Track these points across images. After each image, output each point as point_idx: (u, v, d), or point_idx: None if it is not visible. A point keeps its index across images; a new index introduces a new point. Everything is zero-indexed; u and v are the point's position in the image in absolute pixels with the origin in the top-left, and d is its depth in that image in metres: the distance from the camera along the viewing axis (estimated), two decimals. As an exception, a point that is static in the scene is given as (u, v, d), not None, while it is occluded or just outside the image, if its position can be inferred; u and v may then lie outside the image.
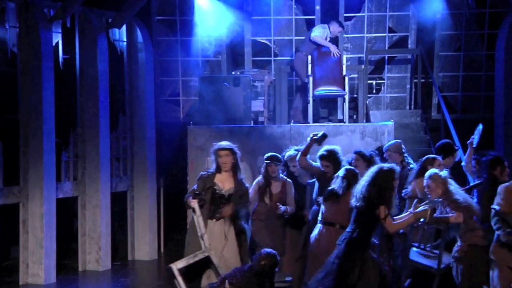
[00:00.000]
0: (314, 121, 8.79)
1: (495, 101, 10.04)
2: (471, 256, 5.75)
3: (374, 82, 10.27)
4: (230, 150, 6.10)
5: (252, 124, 8.67)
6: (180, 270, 5.66)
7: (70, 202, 9.24)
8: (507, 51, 9.83)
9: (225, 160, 6.05)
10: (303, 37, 10.42)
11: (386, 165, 5.70)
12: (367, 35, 10.30)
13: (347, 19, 10.29)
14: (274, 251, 5.54)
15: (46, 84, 8.33)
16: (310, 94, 8.83)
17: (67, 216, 9.41)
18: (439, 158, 6.70)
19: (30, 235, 8.36)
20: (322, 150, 6.53)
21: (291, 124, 8.43)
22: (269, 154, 6.89)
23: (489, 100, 10.21)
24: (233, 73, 9.39)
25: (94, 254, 8.98)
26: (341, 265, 5.46)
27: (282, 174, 6.98)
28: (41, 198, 8.29)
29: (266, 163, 6.86)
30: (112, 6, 9.36)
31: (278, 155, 6.90)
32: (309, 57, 8.98)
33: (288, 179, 6.90)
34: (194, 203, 5.82)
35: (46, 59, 8.32)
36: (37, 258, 8.30)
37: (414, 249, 6.13)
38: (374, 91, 10.25)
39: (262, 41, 10.49)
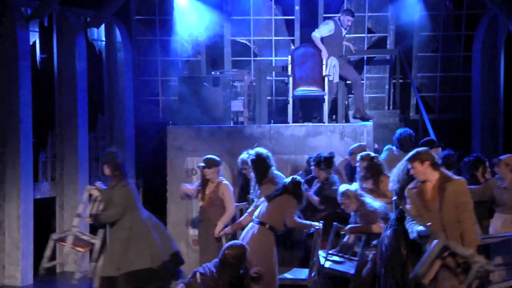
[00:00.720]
0: (294, 121, 8.82)
1: (472, 101, 10.15)
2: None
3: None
4: None
5: (232, 124, 8.66)
6: None
7: (49, 203, 9.15)
8: (484, 52, 9.94)
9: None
10: (282, 37, 10.45)
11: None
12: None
13: (327, 19, 10.31)
14: (241, 243, 5.48)
15: (23, 83, 8.24)
16: (290, 94, 8.85)
17: (45, 217, 9.32)
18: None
19: (6, 236, 8.26)
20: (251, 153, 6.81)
21: (271, 124, 8.44)
22: (205, 157, 6.99)
23: (466, 100, 10.32)
24: (212, 73, 9.37)
25: (73, 255, 8.89)
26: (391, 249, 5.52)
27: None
28: (18, 199, 8.20)
29: (201, 166, 6.96)
30: (90, 5, 9.29)
31: (213, 158, 6.95)
32: (289, 57, 9.01)
33: (224, 182, 6.93)
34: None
35: (23, 58, 8.23)
36: (14, 260, 8.21)
37: (334, 257, 6.33)
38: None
39: (242, 41, 10.48)
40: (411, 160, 5.22)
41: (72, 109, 8.92)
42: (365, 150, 7.21)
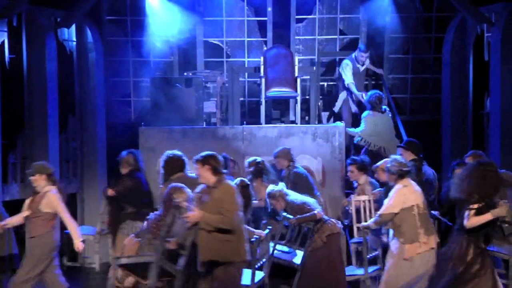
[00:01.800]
0: (266, 122, 8.83)
1: (442, 103, 10.29)
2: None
3: (325, 84, 10.38)
4: None
5: (204, 125, 8.64)
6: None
7: (18, 205, 9.00)
8: (453, 54, 10.08)
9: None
10: (255, 38, 10.46)
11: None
12: (319, 37, 10.40)
13: (299, 21, 10.36)
14: (182, 185, 5.83)
15: (-8, 84, 8.12)
16: (263, 95, 8.86)
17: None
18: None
19: (-25, 239, 8.12)
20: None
21: (244, 125, 8.45)
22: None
23: (436, 102, 10.46)
24: (185, 74, 9.34)
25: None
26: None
27: None
28: (-13, 201, 8.07)
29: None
30: (61, 5, 9.18)
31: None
32: (262, 58, 9.04)
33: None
34: None
35: (-9, 58, 8.11)
36: (-17, 263, 8.08)
37: (279, 247, 6.47)
38: (325, 93, 10.36)
39: (214, 42, 10.47)
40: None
41: (42, 110, 8.81)
42: (289, 154, 7.41)
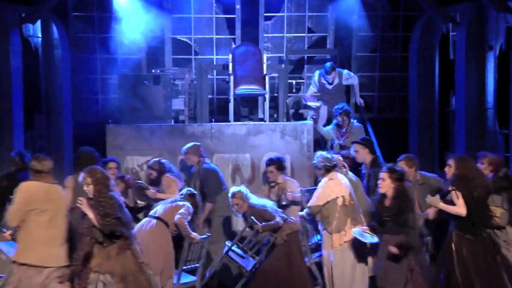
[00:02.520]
0: (235, 120, 8.83)
1: (409, 101, 10.41)
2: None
3: (294, 82, 10.42)
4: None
5: (172, 123, 8.59)
6: None
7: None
8: (420, 52, 10.21)
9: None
10: (223, 36, 10.44)
11: None
12: (287, 35, 10.43)
13: (267, 18, 10.38)
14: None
15: (-46, 80, 7.95)
16: (231, 93, 8.85)
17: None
18: None
19: None
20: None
21: (212, 123, 8.43)
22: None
23: (403, 100, 10.58)
24: (153, 71, 9.27)
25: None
26: None
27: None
28: (-50, 201, 7.88)
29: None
30: (25, 0, 9.03)
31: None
32: (230, 56, 9.03)
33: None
34: None
35: (-46, 54, 7.94)
36: None
37: (235, 249, 6.57)
38: (294, 90, 10.40)
39: (183, 39, 10.42)
40: None
41: (6, 107, 8.64)
42: (199, 150, 7.46)
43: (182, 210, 6.24)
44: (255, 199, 6.63)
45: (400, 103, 10.64)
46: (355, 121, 8.26)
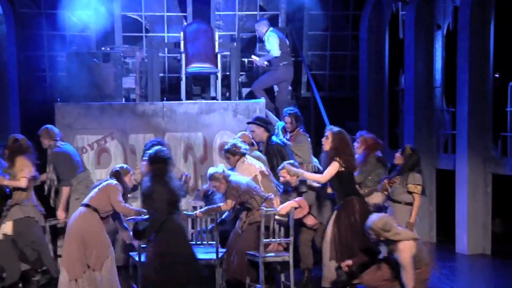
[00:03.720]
0: (187, 98, 8.76)
1: (359, 79, 10.54)
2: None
3: (246, 60, 10.39)
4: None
5: (123, 102, 8.48)
6: None
7: None
8: (370, 31, 10.33)
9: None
10: (174, 13, 10.31)
11: None
12: (239, 13, 10.37)
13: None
14: None
15: None
16: (183, 71, 8.78)
17: None
18: None
19: None
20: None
21: (164, 101, 8.35)
22: None
23: (354, 78, 10.70)
24: (102, 48, 9.09)
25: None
26: None
27: None
28: None
29: None
30: (-32, -26, 8.71)
31: None
32: (182, 34, 8.93)
33: None
34: None
35: None
36: None
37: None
38: (246, 69, 10.38)
39: (133, 16, 10.24)
40: None
41: (-51, 85, 8.37)
42: (50, 132, 7.27)
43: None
44: (234, 177, 6.55)
45: (351, 82, 10.77)
46: (301, 130, 7.85)
